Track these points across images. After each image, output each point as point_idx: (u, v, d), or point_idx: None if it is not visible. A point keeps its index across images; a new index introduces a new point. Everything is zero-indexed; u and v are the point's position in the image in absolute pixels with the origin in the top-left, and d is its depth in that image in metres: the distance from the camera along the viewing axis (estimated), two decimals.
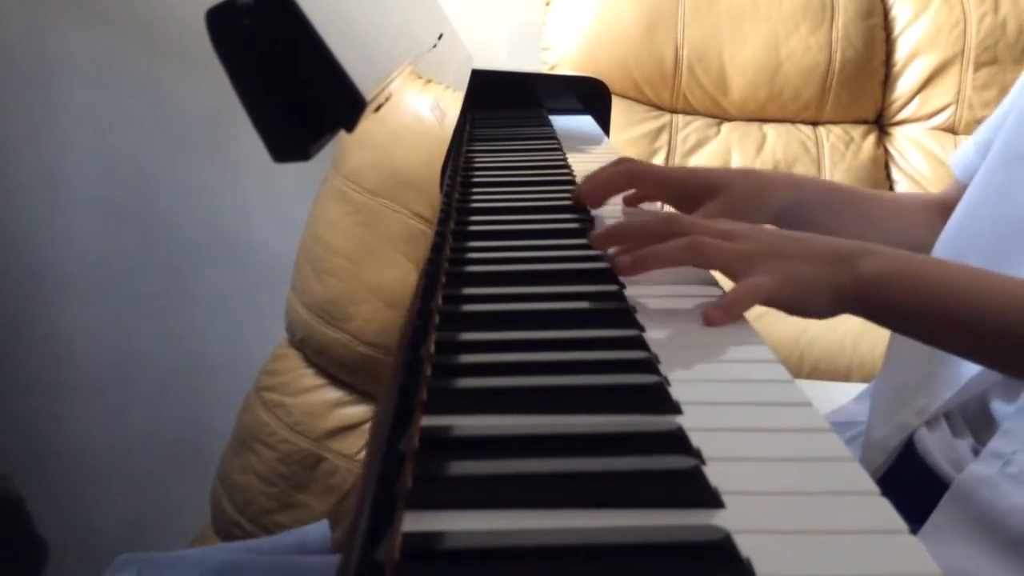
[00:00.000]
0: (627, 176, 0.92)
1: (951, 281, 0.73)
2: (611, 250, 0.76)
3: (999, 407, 0.87)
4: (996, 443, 0.82)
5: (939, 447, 0.88)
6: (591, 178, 0.93)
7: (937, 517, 0.80)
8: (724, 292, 0.71)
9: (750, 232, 0.73)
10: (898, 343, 0.96)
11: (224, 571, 0.45)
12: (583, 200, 0.92)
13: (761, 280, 0.70)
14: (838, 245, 0.74)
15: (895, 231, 1.01)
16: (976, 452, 0.85)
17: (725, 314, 0.68)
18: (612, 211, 0.94)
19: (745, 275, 0.70)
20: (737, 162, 2.30)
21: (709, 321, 0.67)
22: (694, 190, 0.91)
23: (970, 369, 0.88)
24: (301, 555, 0.49)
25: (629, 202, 0.95)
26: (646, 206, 0.96)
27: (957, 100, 2.34)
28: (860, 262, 0.72)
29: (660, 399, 0.54)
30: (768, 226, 0.80)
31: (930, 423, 0.90)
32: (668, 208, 0.96)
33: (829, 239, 0.75)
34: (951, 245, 0.96)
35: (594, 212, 0.91)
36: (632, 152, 2.26)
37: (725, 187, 0.90)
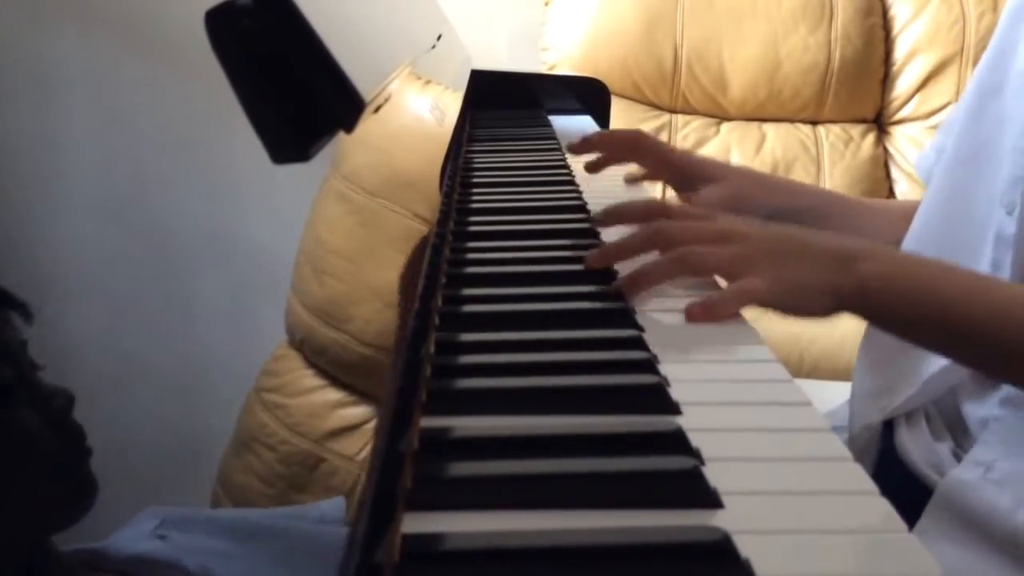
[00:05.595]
0: (633, 140, 0.95)
1: (952, 286, 0.72)
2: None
3: (970, 410, 0.88)
4: (977, 452, 0.83)
5: (920, 450, 0.88)
6: (600, 134, 0.99)
7: (924, 522, 0.81)
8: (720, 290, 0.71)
9: (746, 231, 0.72)
10: (866, 349, 0.97)
11: (248, 536, 0.45)
12: (580, 148, 0.99)
13: (752, 284, 0.68)
14: (839, 245, 0.72)
15: (887, 240, 1.02)
16: (956, 456, 0.86)
17: (705, 313, 0.67)
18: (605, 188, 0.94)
19: (740, 277, 0.69)
20: (737, 161, 2.30)
21: (689, 317, 0.67)
22: (693, 178, 0.93)
23: (928, 370, 0.88)
24: (319, 525, 0.49)
25: (630, 180, 0.97)
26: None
27: (957, 99, 2.34)
28: (860, 264, 0.70)
29: (660, 399, 0.54)
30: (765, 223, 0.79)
31: (910, 425, 0.91)
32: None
33: (829, 237, 0.73)
34: (911, 250, 0.97)
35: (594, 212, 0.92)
36: None
37: (723, 180, 0.92)
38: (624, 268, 0.73)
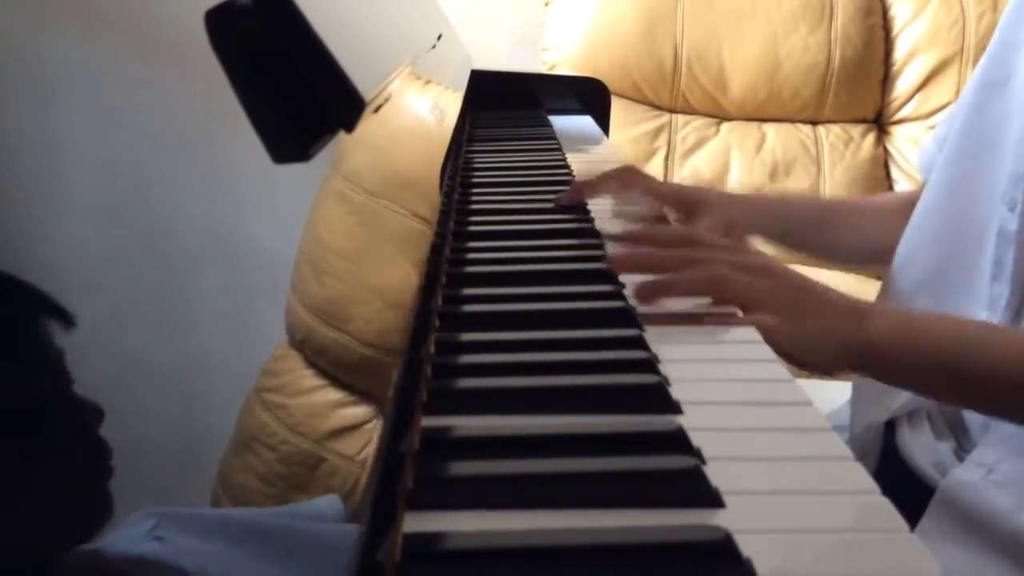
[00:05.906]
0: (620, 182, 0.94)
1: (957, 341, 0.74)
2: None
3: (970, 413, 0.88)
4: (979, 453, 0.83)
5: (922, 449, 0.89)
6: (586, 182, 0.95)
7: (926, 522, 0.81)
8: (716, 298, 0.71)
9: (768, 269, 0.73)
10: None
11: (245, 537, 0.45)
12: (571, 199, 0.93)
13: (770, 321, 0.70)
14: (852, 303, 0.74)
15: (879, 237, 1.02)
16: (958, 456, 0.86)
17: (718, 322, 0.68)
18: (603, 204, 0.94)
19: (758, 311, 0.70)
20: (737, 162, 2.30)
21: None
22: (686, 211, 0.93)
23: None
24: (317, 522, 0.49)
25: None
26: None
27: (957, 98, 2.34)
28: (869, 321, 0.72)
29: (660, 399, 0.54)
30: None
31: (912, 425, 0.91)
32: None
33: (842, 295, 0.75)
34: (909, 244, 0.97)
35: (594, 216, 0.91)
36: (631, 152, 2.26)
37: (715, 207, 0.93)
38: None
